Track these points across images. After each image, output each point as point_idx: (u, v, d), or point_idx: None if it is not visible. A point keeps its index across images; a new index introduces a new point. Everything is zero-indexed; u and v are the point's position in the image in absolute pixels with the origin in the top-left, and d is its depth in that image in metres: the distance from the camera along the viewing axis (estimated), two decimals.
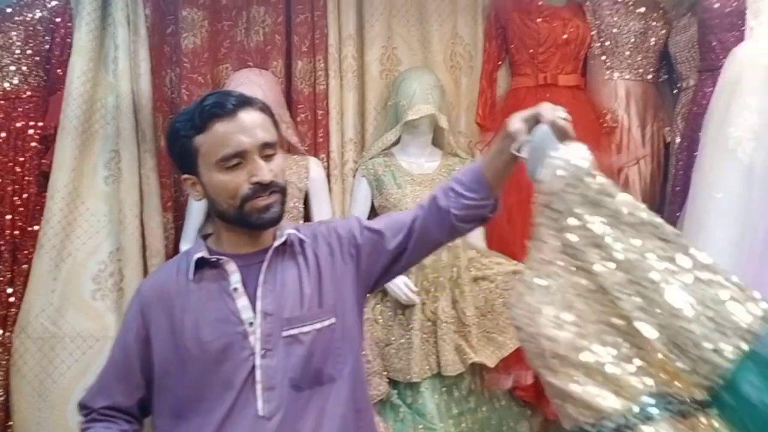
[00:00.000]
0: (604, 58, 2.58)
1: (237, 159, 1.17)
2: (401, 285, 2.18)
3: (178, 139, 1.22)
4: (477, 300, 2.27)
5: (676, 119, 2.55)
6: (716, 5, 2.25)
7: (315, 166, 2.35)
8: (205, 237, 1.33)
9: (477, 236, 2.39)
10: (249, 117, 1.19)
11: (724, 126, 1.96)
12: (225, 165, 1.17)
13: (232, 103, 1.19)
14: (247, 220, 1.20)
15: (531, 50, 2.51)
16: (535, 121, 1.13)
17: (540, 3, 2.54)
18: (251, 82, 2.20)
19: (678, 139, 2.50)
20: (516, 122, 1.15)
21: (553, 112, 1.11)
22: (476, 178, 1.25)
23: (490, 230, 2.47)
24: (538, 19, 2.50)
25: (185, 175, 1.25)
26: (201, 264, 1.23)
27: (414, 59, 2.57)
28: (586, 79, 2.60)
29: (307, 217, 2.35)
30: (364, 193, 2.38)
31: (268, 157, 1.20)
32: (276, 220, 1.22)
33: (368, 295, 1.41)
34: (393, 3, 2.55)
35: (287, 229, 1.26)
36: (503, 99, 2.61)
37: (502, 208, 2.54)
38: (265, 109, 1.25)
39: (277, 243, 1.24)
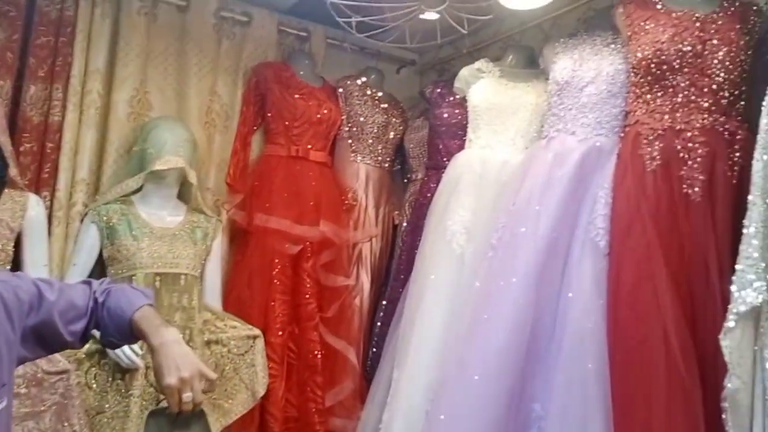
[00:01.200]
0: (350, 141, 2.81)
1: None
2: (125, 347, 1.99)
3: None
4: (207, 365, 2.17)
5: (404, 205, 2.86)
6: (445, 115, 2.63)
7: (35, 204, 2.06)
8: None
9: (213, 298, 2.33)
10: None
11: (443, 219, 2.26)
12: None
13: None
14: None
15: (287, 122, 2.61)
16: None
17: (299, 80, 2.67)
18: None
19: (405, 223, 2.80)
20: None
21: (176, 405, 1.13)
22: (125, 333, 1.23)
23: (227, 292, 2.43)
24: (296, 95, 2.63)
25: None
26: None
27: (167, 108, 2.48)
28: (334, 157, 2.79)
29: (16, 261, 2.03)
30: (92, 241, 2.16)
31: None
32: None
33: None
34: (152, 47, 2.45)
35: None
36: (255, 163, 2.65)
37: (242, 271, 2.53)
38: None
39: None
